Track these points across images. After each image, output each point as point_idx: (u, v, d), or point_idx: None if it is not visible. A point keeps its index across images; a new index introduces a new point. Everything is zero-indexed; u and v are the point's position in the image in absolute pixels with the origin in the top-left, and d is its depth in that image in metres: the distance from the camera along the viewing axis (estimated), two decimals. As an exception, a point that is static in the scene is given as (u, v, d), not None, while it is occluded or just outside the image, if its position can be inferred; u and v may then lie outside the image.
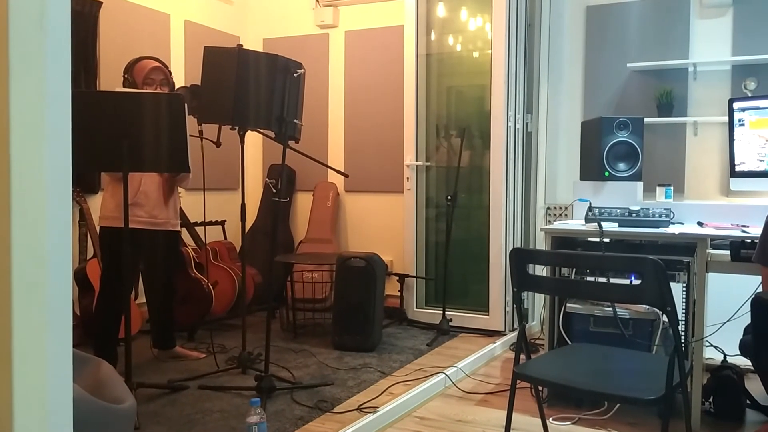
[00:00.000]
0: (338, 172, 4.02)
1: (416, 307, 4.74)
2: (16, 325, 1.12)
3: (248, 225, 5.39)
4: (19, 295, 1.12)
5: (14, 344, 1.12)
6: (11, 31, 1.10)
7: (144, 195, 3.37)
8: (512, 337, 4.29)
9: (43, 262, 1.15)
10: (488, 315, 4.41)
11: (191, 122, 2.89)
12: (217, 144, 3.29)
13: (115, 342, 3.34)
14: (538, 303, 4.60)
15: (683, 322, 2.96)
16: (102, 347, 3.27)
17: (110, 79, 4.26)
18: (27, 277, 1.13)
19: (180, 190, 3.60)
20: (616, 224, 3.03)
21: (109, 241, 3.32)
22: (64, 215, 1.20)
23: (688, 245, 2.87)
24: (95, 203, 4.00)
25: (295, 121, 3.07)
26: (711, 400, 2.90)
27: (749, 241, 2.65)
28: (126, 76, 3.36)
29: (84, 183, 4.09)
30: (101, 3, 4.19)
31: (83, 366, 2.26)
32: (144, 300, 3.68)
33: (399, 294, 4.73)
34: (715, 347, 3.28)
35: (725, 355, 3.23)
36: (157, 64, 3.39)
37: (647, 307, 3.01)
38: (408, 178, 4.72)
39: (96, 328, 3.34)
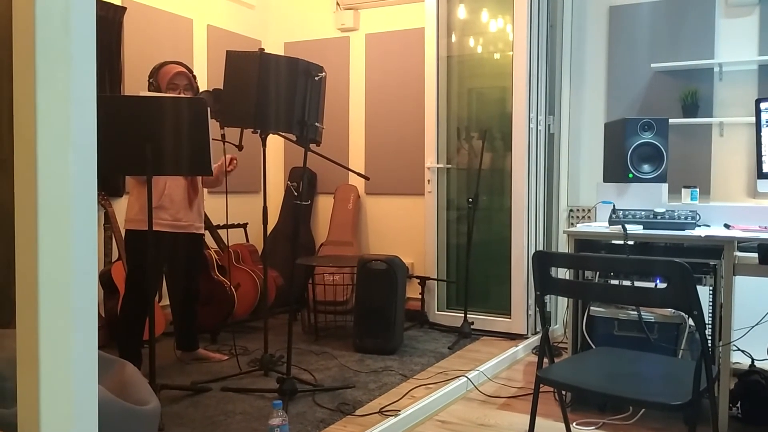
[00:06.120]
0: (359, 174, 4.03)
1: (437, 310, 4.72)
2: (43, 327, 1.14)
3: (270, 228, 5.41)
4: (45, 297, 1.14)
5: (41, 346, 1.14)
6: (38, 36, 1.12)
7: (168, 198, 3.39)
8: (534, 340, 4.26)
9: (68, 265, 1.16)
10: (510, 318, 4.38)
11: (213, 126, 2.91)
12: (239, 147, 3.31)
13: (140, 344, 3.37)
14: (560, 306, 4.55)
15: (710, 326, 2.91)
16: (126, 349, 3.30)
17: (134, 83, 4.32)
18: (53, 280, 1.15)
19: (204, 190, 3.63)
20: (641, 227, 2.99)
21: (134, 243, 3.35)
22: (90, 218, 1.21)
23: (715, 248, 2.82)
24: (120, 206, 4.05)
25: (316, 124, 3.08)
26: (738, 405, 2.85)
27: (778, 243, 2.60)
28: (151, 80, 3.39)
29: (109, 186, 4.14)
30: (125, 8, 4.25)
31: (108, 367, 2.29)
32: (168, 302, 3.72)
33: (420, 297, 4.72)
34: (743, 351, 3.22)
35: (753, 360, 3.17)
36: (180, 69, 3.41)
37: (673, 310, 2.96)
38: (429, 181, 4.71)
39: (121, 330, 3.37)
